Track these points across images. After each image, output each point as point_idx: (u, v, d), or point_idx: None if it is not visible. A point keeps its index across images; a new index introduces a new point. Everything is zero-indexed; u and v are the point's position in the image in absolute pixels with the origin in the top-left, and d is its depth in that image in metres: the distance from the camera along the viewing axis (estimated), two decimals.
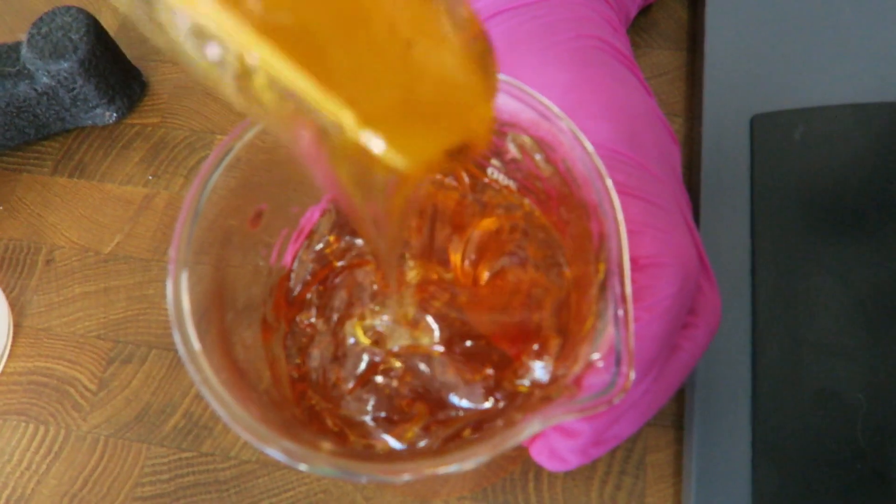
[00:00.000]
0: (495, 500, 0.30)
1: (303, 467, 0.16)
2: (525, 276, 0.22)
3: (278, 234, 0.24)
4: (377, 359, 0.23)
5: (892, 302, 0.29)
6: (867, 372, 0.28)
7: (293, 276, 0.25)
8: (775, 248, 0.31)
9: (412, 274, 0.24)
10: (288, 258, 0.24)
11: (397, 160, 0.14)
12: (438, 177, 0.24)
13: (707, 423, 0.29)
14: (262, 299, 0.23)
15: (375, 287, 0.24)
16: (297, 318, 0.24)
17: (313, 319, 0.24)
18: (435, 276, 0.23)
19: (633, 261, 0.23)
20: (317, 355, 0.23)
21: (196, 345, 0.18)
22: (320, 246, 0.25)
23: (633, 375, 0.16)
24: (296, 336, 0.24)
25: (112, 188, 0.38)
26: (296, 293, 0.24)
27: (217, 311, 0.20)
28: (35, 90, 0.36)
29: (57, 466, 0.32)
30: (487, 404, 0.21)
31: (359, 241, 0.24)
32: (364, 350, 0.23)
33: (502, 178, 0.24)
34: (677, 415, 0.31)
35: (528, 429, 0.16)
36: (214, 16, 0.12)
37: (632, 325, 0.17)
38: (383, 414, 0.22)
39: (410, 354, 0.23)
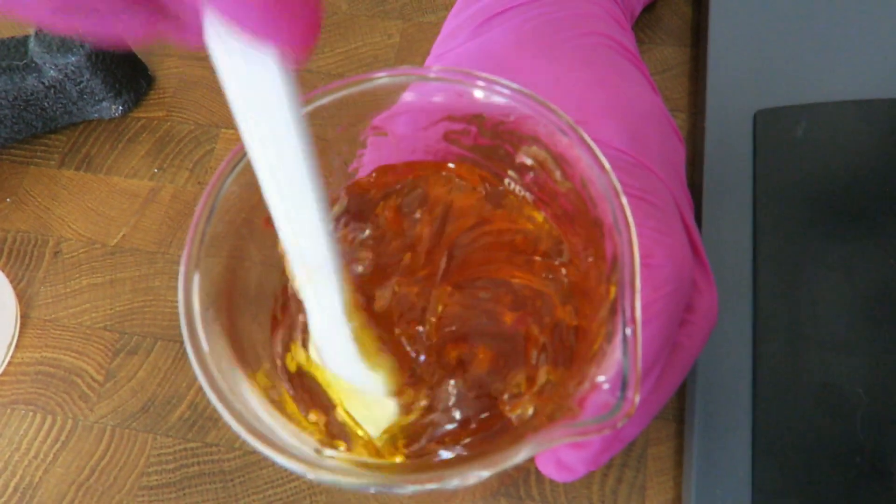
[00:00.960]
0: (497, 492, 0.30)
1: (310, 476, 0.17)
2: (532, 290, 0.22)
3: None
4: None
5: (893, 298, 0.30)
6: (868, 367, 0.29)
7: None
8: (777, 243, 0.31)
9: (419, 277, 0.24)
10: None
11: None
12: (457, 180, 0.24)
13: (708, 416, 0.29)
14: (273, 296, 0.24)
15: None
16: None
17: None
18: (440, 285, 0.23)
19: None
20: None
21: (205, 346, 0.18)
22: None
23: (637, 400, 0.16)
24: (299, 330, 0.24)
25: (118, 181, 0.38)
26: None
27: (226, 305, 0.20)
28: (43, 84, 0.36)
29: (64, 455, 0.32)
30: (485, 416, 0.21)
31: (366, 233, 0.25)
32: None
33: (518, 189, 0.24)
34: (678, 408, 0.31)
35: (529, 450, 0.16)
36: None
37: (640, 349, 0.17)
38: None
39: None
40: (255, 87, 0.14)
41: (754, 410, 0.29)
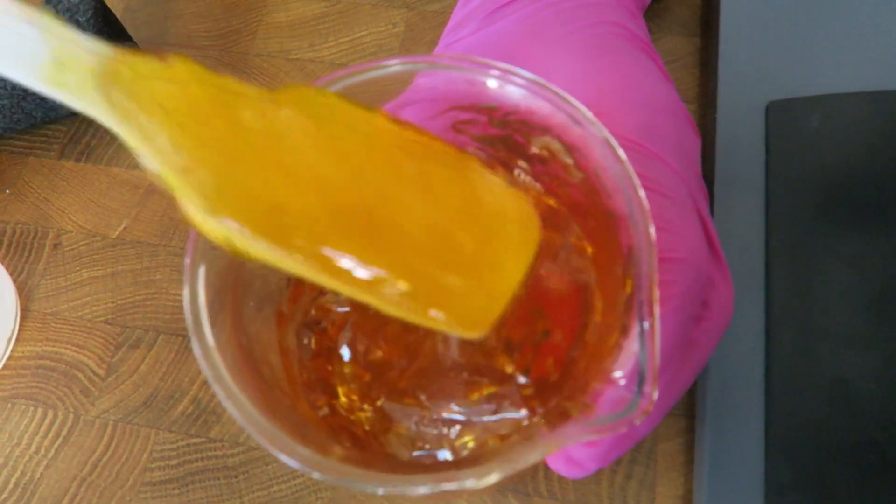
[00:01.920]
0: (505, 488, 0.30)
1: (316, 475, 0.16)
2: (549, 283, 0.22)
3: None
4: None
5: None
6: (882, 362, 0.28)
7: None
8: (790, 237, 0.30)
9: None
10: None
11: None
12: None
13: (720, 412, 0.28)
14: (279, 289, 0.23)
15: None
16: (319, 302, 0.23)
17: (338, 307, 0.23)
18: None
19: None
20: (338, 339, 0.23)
21: (210, 340, 0.17)
22: None
23: (655, 395, 0.16)
24: (312, 323, 0.24)
25: (119, 172, 0.38)
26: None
27: (232, 299, 0.20)
28: None
29: (66, 451, 0.32)
30: (499, 415, 0.21)
31: None
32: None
33: (528, 181, 0.23)
34: (689, 404, 0.30)
35: (543, 449, 0.16)
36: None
37: (658, 344, 0.16)
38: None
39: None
40: None
41: (767, 406, 0.28)
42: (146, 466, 0.31)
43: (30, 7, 0.16)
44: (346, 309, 0.23)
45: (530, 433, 0.17)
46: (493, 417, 0.21)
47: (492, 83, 0.20)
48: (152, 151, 0.16)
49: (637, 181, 0.18)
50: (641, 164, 0.24)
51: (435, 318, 0.16)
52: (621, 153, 0.19)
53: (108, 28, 0.36)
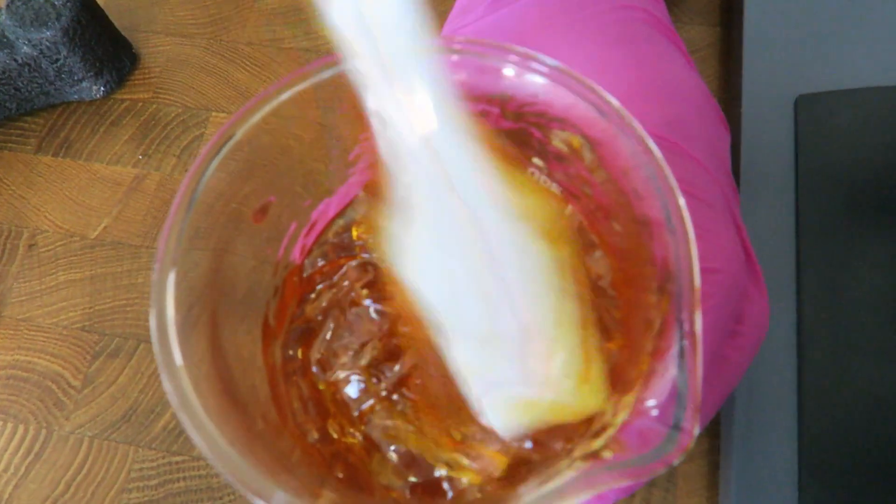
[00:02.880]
0: None
1: None
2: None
3: (287, 228, 0.21)
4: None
5: None
6: None
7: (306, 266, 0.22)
8: (822, 240, 0.28)
9: None
10: (296, 254, 0.22)
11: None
12: None
13: (748, 432, 0.26)
14: (264, 300, 0.21)
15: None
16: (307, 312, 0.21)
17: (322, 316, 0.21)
18: None
19: None
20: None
21: (178, 358, 0.15)
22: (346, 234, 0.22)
23: (697, 431, 0.14)
24: (299, 333, 0.21)
25: (100, 168, 0.35)
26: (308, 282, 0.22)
27: (209, 312, 0.17)
28: (15, 60, 0.33)
29: (37, 468, 0.29)
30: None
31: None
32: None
33: (543, 180, 0.21)
34: (713, 423, 0.28)
35: (572, 499, 0.14)
36: None
37: (700, 367, 0.14)
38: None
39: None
40: None
41: (799, 425, 0.26)
42: (124, 486, 0.29)
43: None
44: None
45: (550, 475, 0.15)
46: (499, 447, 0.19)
47: (508, 70, 0.18)
48: None
49: (674, 182, 0.16)
50: (670, 162, 0.21)
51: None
52: (655, 149, 0.16)
53: (87, 13, 0.33)
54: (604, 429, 0.15)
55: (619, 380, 0.17)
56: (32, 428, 0.30)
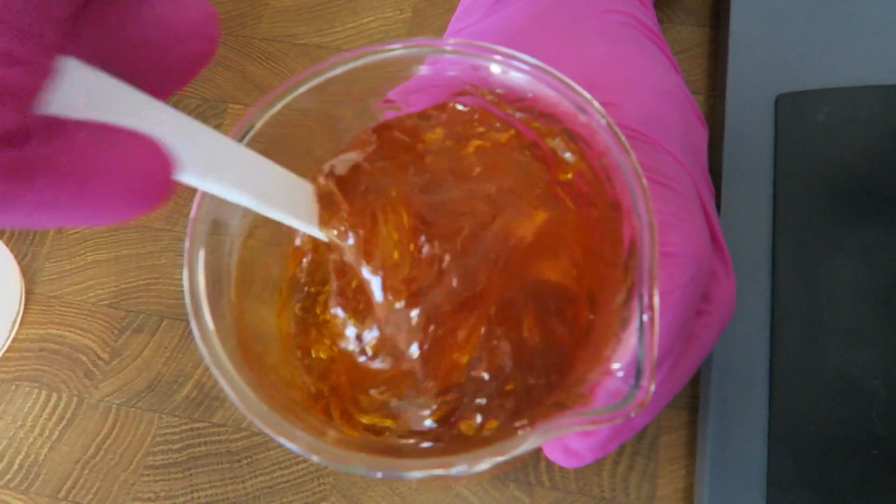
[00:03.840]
0: (506, 478, 0.30)
1: (315, 459, 0.16)
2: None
3: None
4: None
5: None
6: (886, 358, 0.28)
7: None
8: (797, 230, 0.30)
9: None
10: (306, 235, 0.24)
11: None
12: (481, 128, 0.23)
13: (723, 405, 0.28)
14: (278, 273, 0.23)
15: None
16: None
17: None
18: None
19: None
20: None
21: (210, 325, 0.17)
22: None
23: (653, 388, 0.16)
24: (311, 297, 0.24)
25: None
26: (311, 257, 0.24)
27: (233, 285, 0.20)
28: None
29: (69, 433, 0.32)
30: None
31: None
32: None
33: (537, 167, 0.23)
34: (691, 396, 0.30)
35: (538, 438, 0.16)
36: None
37: (656, 337, 0.16)
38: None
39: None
40: None
41: (770, 400, 0.28)
42: (149, 450, 0.31)
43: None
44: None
45: (525, 421, 0.17)
46: (483, 400, 0.21)
47: (495, 69, 0.20)
48: None
49: (641, 172, 0.18)
50: (645, 154, 0.24)
51: None
52: (626, 142, 0.18)
53: None
54: (574, 386, 0.17)
55: (592, 343, 0.19)
56: (65, 396, 0.33)
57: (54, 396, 0.32)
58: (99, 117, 0.13)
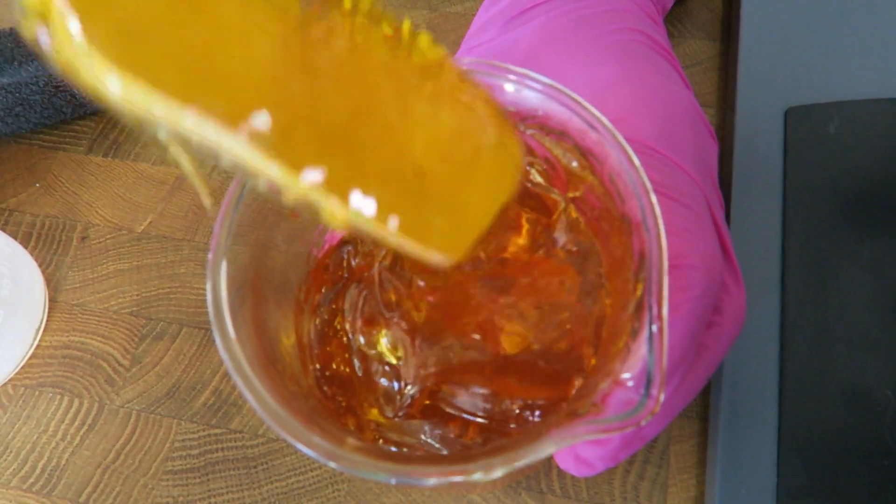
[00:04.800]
0: (518, 486, 0.30)
1: (332, 465, 0.17)
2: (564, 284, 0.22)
3: (318, 223, 0.24)
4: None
5: None
6: None
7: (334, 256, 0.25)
8: (806, 242, 0.31)
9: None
10: (326, 246, 0.25)
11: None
12: None
13: (733, 415, 0.29)
14: (297, 284, 0.24)
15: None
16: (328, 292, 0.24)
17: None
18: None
19: None
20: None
21: (231, 333, 0.18)
22: None
23: (662, 398, 0.16)
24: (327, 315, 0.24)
25: (146, 168, 0.39)
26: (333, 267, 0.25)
27: (252, 294, 0.20)
28: None
29: (91, 438, 0.33)
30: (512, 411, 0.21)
31: None
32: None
33: (544, 183, 0.24)
34: (702, 406, 0.31)
35: (551, 446, 0.16)
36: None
37: (666, 347, 0.17)
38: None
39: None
40: None
41: (780, 409, 0.28)
42: (168, 455, 0.32)
43: None
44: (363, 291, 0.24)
45: (538, 431, 0.18)
46: (500, 410, 0.21)
47: (509, 87, 0.21)
48: None
49: (650, 186, 0.19)
50: (659, 171, 0.24)
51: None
52: (635, 159, 0.19)
53: None
54: (585, 395, 0.18)
55: (604, 353, 0.20)
56: (86, 402, 0.33)
57: (76, 402, 0.33)
58: None
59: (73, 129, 0.40)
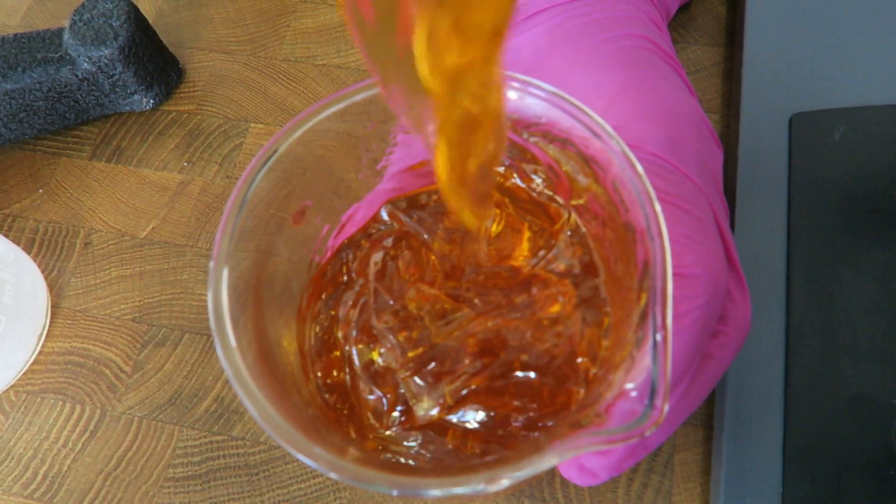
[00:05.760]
0: (521, 495, 0.30)
1: (333, 476, 0.17)
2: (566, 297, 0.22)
3: (320, 229, 0.24)
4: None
5: None
6: None
7: (334, 262, 0.25)
8: (811, 249, 0.30)
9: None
10: (327, 254, 0.25)
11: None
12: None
13: (738, 424, 0.28)
14: (298, 292, 0.24)
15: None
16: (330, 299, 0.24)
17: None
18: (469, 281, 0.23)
19: None
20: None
21: (232, 341, 0.18)
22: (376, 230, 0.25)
23: (667, 409, 0.16)
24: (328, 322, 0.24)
25: (148, 174, 0.39)
26: (332, 275, 0.25)
27: (254, 302, 0.20)
28: (76, 76, 0.36)
29: (92, 445, 0.32)
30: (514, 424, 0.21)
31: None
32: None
33: (547, 191, 0.24)
34: (707, 414, 0.30)
35: (554, 458, 0.16)
36: None
37: (670, 357, 0.17)
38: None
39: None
40: None
41: (785, 418, 0.28)
42: (170, 462, 0.32)
43: None
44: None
45: (542, 442, 0.18)
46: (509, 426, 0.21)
47: (512, 94, 0.21)
48: None
49: (654, 194, 0.18)
50: (664, 179, 0.24)
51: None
52: (639, 166, 0.19)
53: (141, 33, 0.37)
54: (589, 405, 0.18)
55: (607, 363, 0.19)
56: (88, 408, 0.33)
57: (78, 409, 0.33)
58: None
59: (76, 135, 0.40)
